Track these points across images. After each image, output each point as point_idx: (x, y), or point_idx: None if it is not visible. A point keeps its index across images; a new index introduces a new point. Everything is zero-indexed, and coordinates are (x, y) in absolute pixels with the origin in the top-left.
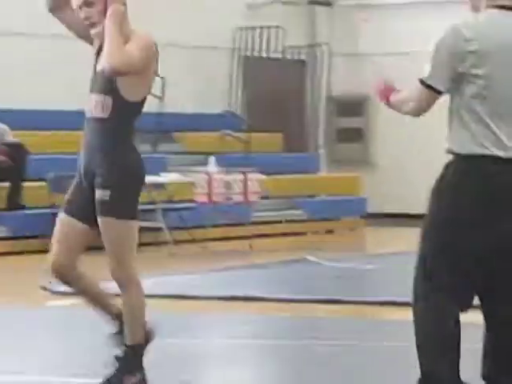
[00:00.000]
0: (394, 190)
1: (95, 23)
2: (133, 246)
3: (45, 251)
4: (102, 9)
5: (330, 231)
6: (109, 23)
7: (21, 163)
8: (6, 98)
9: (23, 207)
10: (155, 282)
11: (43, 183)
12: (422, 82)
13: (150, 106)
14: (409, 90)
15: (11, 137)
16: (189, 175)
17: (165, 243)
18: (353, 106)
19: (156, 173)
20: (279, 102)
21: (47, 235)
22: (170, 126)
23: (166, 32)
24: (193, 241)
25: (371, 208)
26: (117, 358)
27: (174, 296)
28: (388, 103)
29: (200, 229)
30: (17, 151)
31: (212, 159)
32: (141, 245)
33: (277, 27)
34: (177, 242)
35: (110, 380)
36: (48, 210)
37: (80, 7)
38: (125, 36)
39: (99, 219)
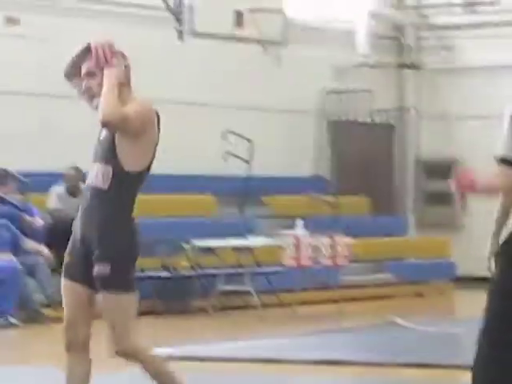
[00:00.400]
0: (483, 254)
1: (94, 95)
2: (133, 318)
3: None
4: (101, 82)
5: (418, 294)
6: (106, 81)
7: None
8: None
9: None
10: (244, 346)
11: None
12: (505, 160)
13: (238, 169)
14: (492, 175)
15: None
16: (277, 238)
17: (253, 307)
18: (441, 169)
19: (243, 236)
20: (367, 165)
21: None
22: (258, 189)
23: (255, 95)
24: (281, 304)
25: (460, 271)
26: None
27: (262, 360)
28: (474, 192)
29: (288, 292)
30: None
31: (300, 222)
32: (229, 308)
33: (365, 90)
34: (265, 306)
35: None
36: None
37: (83, 78)
38: (122, 99)
39: (100, 293)
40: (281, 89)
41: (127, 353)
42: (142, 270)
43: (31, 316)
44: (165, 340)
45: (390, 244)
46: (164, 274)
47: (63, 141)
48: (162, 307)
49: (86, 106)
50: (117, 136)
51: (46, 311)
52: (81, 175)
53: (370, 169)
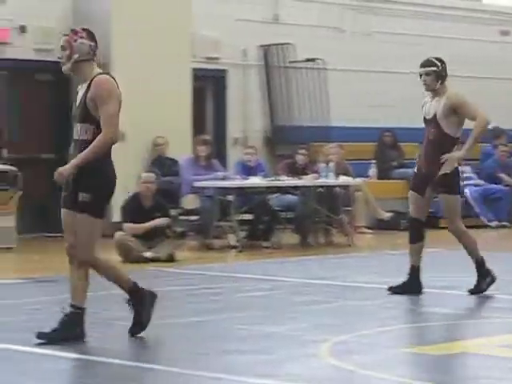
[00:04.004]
0: None
1: (64, 63)
2: (97, 237)
3: None
4: (69, 53)
5: None
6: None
7: None
8: None
9: None
10: None
11: None
12: None
13: None
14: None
15: None
16: None
17: None
18: None
19: None
20: None
21: None
22: None
23: None
24: None
25: None
26: None
27: None
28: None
29: None
30: None
31: None
32: None
33: None
34: None
35: None
36: None
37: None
38: (88, 72)
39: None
40: None
41: (87, 262)
42: None
43: None
44: None
45: None
46: None
47: None
48: None
49: None
50: (91, 105)
51: None
52: None
53: None
